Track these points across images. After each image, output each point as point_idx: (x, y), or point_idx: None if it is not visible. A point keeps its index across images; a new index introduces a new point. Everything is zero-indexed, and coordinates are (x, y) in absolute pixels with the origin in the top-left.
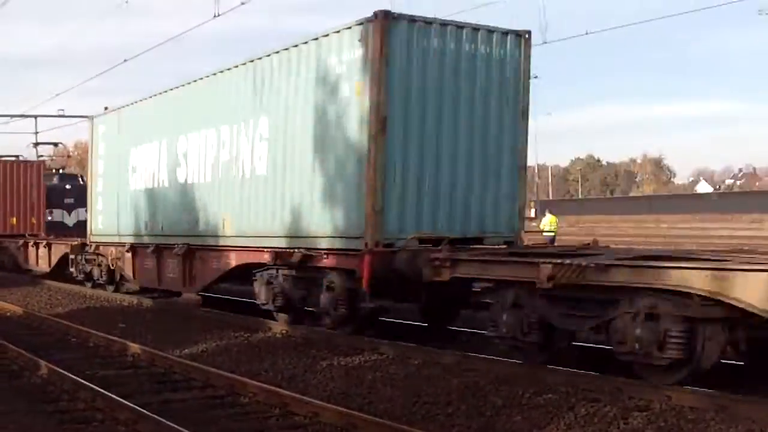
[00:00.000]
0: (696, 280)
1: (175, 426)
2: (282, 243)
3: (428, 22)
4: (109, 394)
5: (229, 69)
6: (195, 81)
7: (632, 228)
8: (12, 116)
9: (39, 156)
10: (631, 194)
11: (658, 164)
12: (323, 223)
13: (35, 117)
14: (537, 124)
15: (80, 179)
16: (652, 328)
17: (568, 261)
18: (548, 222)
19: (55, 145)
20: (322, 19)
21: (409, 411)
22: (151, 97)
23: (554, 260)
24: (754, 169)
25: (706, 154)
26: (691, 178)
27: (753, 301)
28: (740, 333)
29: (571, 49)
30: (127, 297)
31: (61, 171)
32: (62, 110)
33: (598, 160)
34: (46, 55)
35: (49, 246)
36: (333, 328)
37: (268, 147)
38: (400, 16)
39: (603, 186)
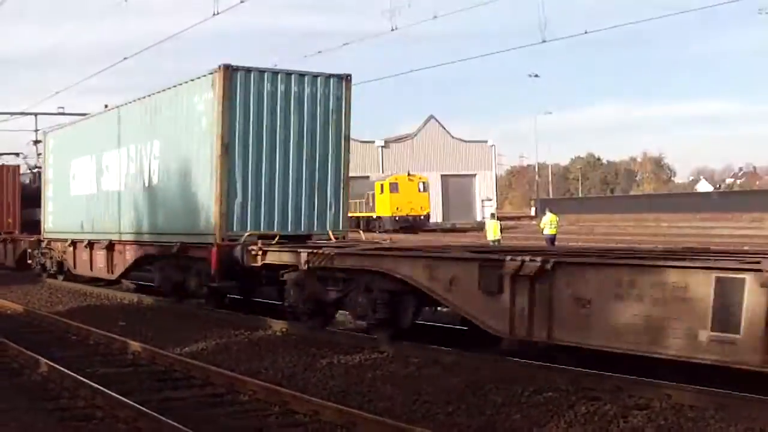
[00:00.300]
0: (389, 264)
1: (175, 424)
2: (168, 238)
3: (262, 71)
4: (109, 392)
5: (135, 101)
6: (114, 108)
7: (632, 227)
8: (12, 114)
9: (38, 154)
10: (632, 193)
11: (658, 163)
12: (191, 223)
13: (35, 115)
14: (537, 122)
15: None
16: (369, 297)
17: (317, 250)
18: (548, 221)
19: None
20: (321, 19)
21: (409, 409)
22: (86, 118)
23: (310, 250)
24: (755, 167)
25: (706, 153)
26: (691, 177)
27: (420, 279)
28: (428, 302)
29: (571, 48)
30: (128, 295)
31: None
32: (62, 108)
33: (599, 159)
34: (46, 54)
35: (13, 242)
36: (201, 302)
37: (159, 164)
38: (239, 68)
39: (603, 185)
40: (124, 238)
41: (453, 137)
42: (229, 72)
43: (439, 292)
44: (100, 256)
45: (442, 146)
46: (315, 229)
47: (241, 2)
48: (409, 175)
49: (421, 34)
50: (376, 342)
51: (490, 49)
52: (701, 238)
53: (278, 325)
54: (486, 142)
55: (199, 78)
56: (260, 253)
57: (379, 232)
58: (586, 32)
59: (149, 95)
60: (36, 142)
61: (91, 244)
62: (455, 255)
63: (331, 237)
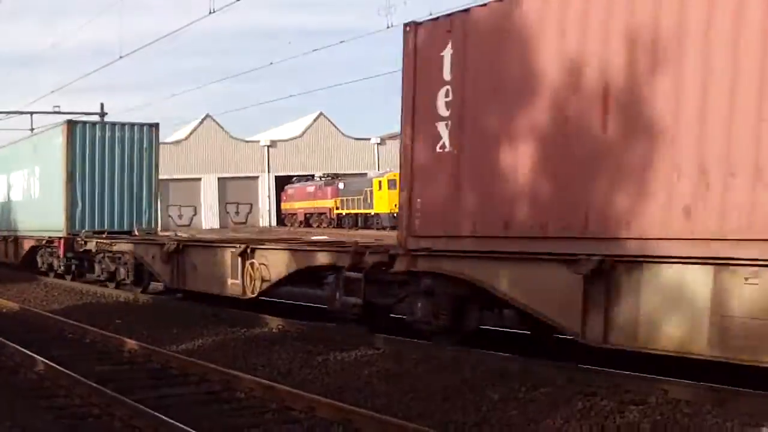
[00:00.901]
0: (129, 247)
1: (172, 421)
2: (42, 234)
3: (93, 123)
4: (106, 390)
5: (27, 138)
6: (18, 142)
7: None
8: (8, 113)
9: None
10: None
11: None
12: (53, 224)
13: (31, 114)
14: None
15: None
16: (126, 268)
17: (101, 240)
18: None
19: None
20: (317, 17)
21: (405, 406)
22: (2, 147)
23: (97, 239)
24: None
25: None
26: None
27: (141, 255)
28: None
29: None
30: (123, 293)
31: None
32: (58, 107)
33: None
34: (43, 52)
35: None
36: (62, 276)
37: (39, 183)
38: (77, 122)
39: None
40: (22, 234)
41: None
42: (71, 125)
43: (148, 262)
44: (11, 247)
45: None
46: (134, 227)
47: (237, 0)
48: None
49: None
50: (371, 339)
51: None
52: None
53: (275, 322)
54: None
55: (57, 126)
56: (83, 242)
57: (377, 229)
58: None
59: (35, 134)
60: None
61: (5, 239)
62: (151, 240)
63: (136, 232)
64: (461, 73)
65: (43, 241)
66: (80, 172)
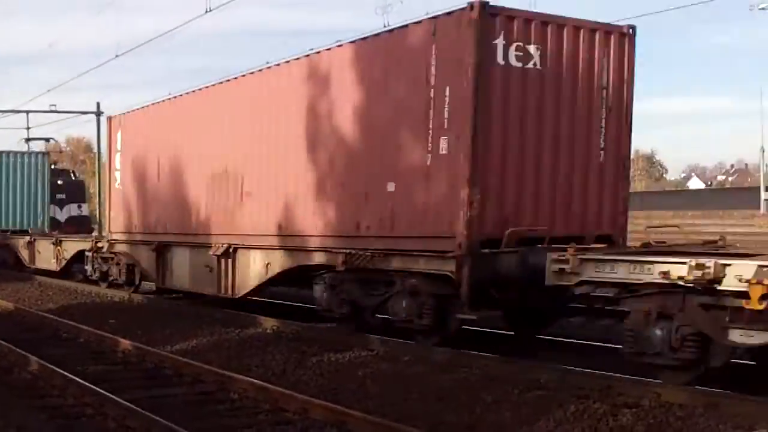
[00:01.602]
0: (13, 242)
1: (165, 421)
2: None
3: (1, 152)
4: (99, 390)
5: None
6: None
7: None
8: (4, 112)
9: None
10: None
11: (650, 160)
12: None
13: (27, 113)
14: None
15: (72, 174)
16: (13, 259)
17: None
18: None
19: (47, 140)
20: (313, 15)
21: (399, 407)
22: None
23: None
24: (746, 165)
25: (698, 150)
26: (683, 174)
27: (20, 248)
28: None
29: None
30: (118, 293)
31: (53, 166)
32: (54, 105)
33: None
34: (40, 51)
35: None
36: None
37: None
38: None
39: None
40: None
41: None
42: None
43: (20, 250)
44: None
45: None
46: (31, 227)
47: None
48: None
49: None
50: (366, 340)
51: None
52: (691, 236)
53: (269, 323)
54: None
55: None
56: None
57: None
58: None
59: None
60: (28, 140)
61: None
62: (20, 236)
63: (30, 232)
64: (124, 147)
65: None
66: None
